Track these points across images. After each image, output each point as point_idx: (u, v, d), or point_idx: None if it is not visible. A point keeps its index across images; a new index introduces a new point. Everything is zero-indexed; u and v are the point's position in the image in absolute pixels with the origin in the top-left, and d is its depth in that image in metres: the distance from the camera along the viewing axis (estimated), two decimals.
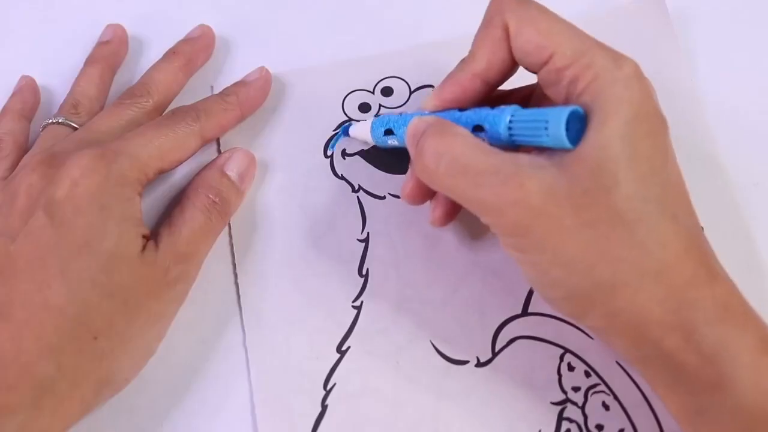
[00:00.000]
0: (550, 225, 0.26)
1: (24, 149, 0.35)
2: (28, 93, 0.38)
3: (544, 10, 0.29)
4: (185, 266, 0.33)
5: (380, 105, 0.39)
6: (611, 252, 0.26)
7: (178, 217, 0.33)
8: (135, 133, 0.34)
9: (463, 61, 0.31)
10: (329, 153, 0.38)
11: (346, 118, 0.39)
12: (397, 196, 0.37)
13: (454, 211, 0.33)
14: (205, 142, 0.36)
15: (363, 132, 0.36)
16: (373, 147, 0.38)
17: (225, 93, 0.37)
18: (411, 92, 0.39)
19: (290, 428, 0.33)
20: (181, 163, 0.35)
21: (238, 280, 0.35)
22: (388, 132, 0.34)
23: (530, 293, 0.34)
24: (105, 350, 0.30)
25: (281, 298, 0.35)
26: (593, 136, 0.26)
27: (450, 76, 0.31)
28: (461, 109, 0.30)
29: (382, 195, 0.37)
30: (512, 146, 0.28)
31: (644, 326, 0.26)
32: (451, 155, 0.28)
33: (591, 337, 0.33)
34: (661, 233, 0.26)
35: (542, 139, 0.27)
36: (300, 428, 0.32)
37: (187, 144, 0.35)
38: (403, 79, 0.39)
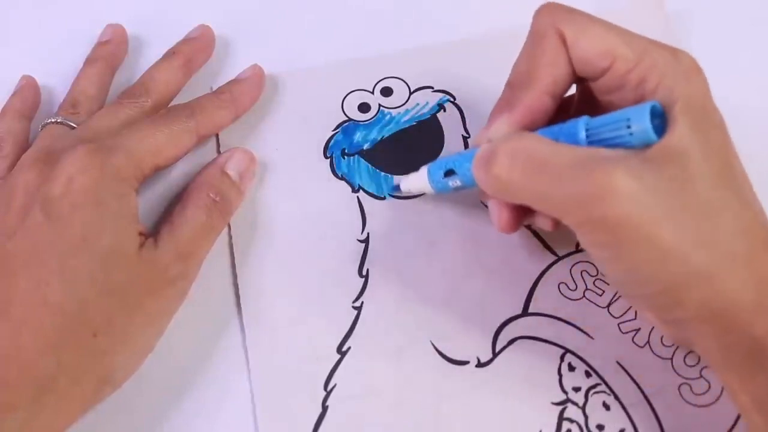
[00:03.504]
0: (642, 214, 0.25)
1: (24, 149, 0.35)
2: (28, 92, 0.38)
3: (592, 17, 0.29)
4: (185, 265, 0.33)
5: (380, 105, 0.39)
6: (705, 239, 0.26)
7: (179, 215, 0.33)
8: (131, 129, 0.34)
9: (518, 78, 0.30)
10: (329, 153, 0.38)
11: (346, 118, 0.39)
12: (397, 197, 0.37)
13: (521, 215, 0.31)
14: (200, 140, 0.36)
15: (418, 183, 0.35)
16: (374, 146, 0.38)
17: (219, 91, 0.38)
18: (411, 93, 0.39)
19: (291, 429, 0.32)
20: (176, 160, 0.36)
21: (238, 281, 0.35)
22: (449, 173, 0.33)
23: (530, 293, 0.34)
24: (105, 347, 0.30)
25: (281, 298, 0.35)
26: (670, 130, 0.26)
27: (515, 99, 0.30)
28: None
29: (382, 195, 0.37)
30: None
31: (735, 312, 0.26)
32: (527, 153, 0.27)
33: (592, 337, 0.34)
34: (745, 221, 0.26)
35: (624, 137, 0.26)
36: (301, 429, 0.32)
37: (183, 141, 0.35)
38: (403, 80, 0.39)
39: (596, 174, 0.26)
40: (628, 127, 0.26)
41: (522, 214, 0.31)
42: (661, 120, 0.27)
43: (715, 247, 0.26)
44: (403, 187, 0.36)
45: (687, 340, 0.30)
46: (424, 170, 0.34)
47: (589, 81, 0.30)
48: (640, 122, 0.26)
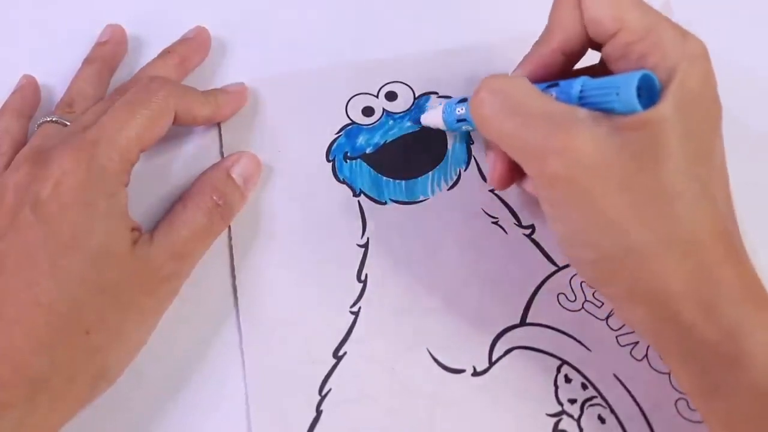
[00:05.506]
0: (592, 180, 0.26)
1: (21, 147, 0.35)
2: (28, 91, 0.38)
3: None
4: (180, 264, 0.33)
5: (384, 109, 0.39)
6: (648, 219, 0.26)
7: (180, 215, 0.33)
8: (109, 117, 0.33)
9: (540, 37, 0.31)
10: (332, 156, 0.38)
11: (350, 122, 0.38)
12: (398, 202, 0.37)
13: (514, 172, 0.32)
14: (176, 120, 0.35)
15: (435, 114, 0.36)
16: (376, 150, 0.38)
17: (204, 92, 0.37)
18: (415, 98, 0.39)
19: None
20: (158, 138, 0.34)
21: (237, 282, 0.35)
22: (462, 101, 0.34)
23: (529, 303, 0.34)
24: (98, 344, 0.30)
25: (279, 301, 0.35)
26: (655, 104, 0.26)
27: (531, 53, 0.32)
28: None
29: (383, 200, 0.37)
30: None
31: (665, 297, 0.26)
32: (507, 93, 0.28)
33: (589, 350, 0.33)
34: (699, 212, 0.26)
35: (612, 102, 0.27)
36: None
37: (162, 121, 0.34)
38: (408, 85, 0.39)
39: (561, 129, 0.26)
40: (617, 91, 0.27)
41: (515, 171, 0.32)
42: (653, 92, 0.27)
43: (658, 229, 0.26)
44: (423, 120, 0.37)
45: (632, 323, 0.30)
46: (440, 107, 0.36)
47: (601, 47, 0.30)
48: (627, 89, 0.26)
